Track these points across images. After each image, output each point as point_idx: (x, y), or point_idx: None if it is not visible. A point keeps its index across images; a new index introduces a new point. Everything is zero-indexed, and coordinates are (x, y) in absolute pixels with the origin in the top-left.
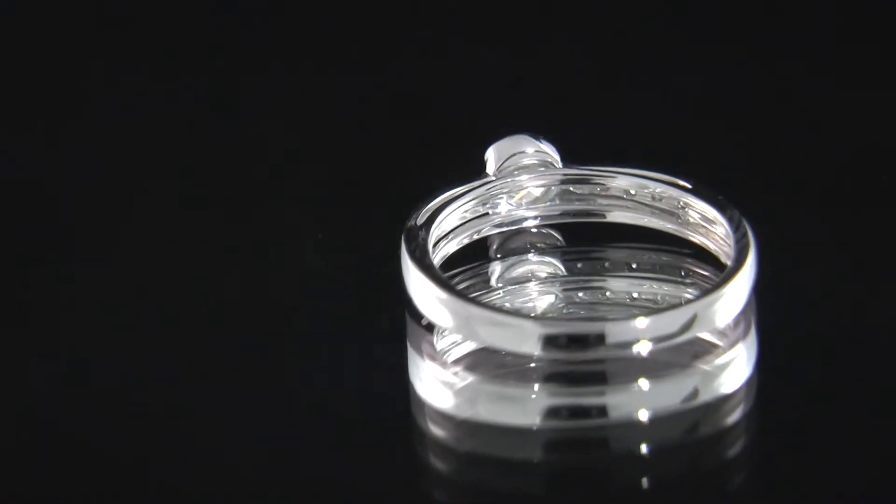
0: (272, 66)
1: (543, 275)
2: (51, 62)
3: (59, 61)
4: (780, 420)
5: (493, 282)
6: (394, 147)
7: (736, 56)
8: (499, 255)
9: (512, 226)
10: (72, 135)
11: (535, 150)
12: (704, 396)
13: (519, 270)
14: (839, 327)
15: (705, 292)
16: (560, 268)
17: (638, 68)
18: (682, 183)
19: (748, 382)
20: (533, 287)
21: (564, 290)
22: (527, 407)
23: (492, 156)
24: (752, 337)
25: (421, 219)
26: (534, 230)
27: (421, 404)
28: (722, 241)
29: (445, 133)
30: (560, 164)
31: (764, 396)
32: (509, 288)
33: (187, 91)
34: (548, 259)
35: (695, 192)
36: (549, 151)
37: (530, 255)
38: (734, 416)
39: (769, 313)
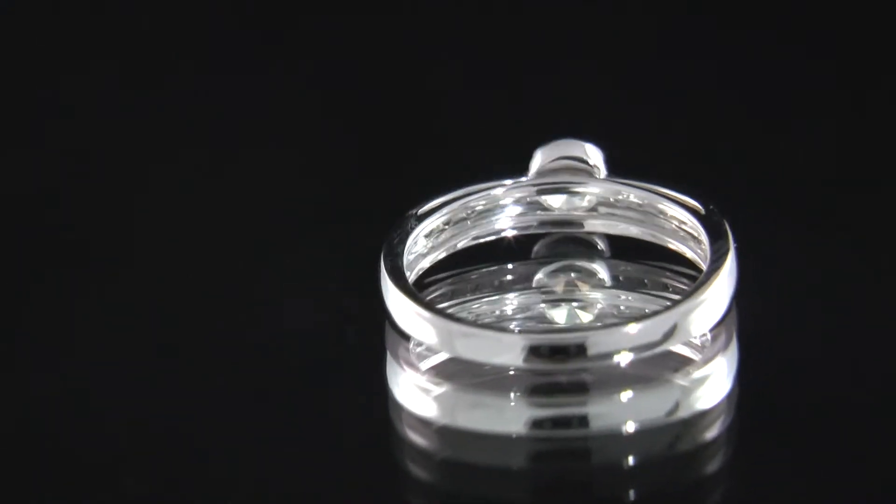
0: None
1: (585, 282)
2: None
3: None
4: (761, 435)
5: (533, 284)
6: (422, 147)
7: (731, 61)
8: (539, 258)
9: (490, 236)
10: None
11: (577, 157)
12: (684, 410)
13: (560, 276)
14: (823, 340)
15: (680, 300)
16: (605, 276)
17: (635, 73)
18: (659, 189)
19: (729, 396)
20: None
21: (545, 301)
22: (505, 415)
23: (537, 157)
24: (733, 350)
25: (422, 209)
26: (580, 236)
27: (399, 410)
28: (698, 248)
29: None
30: (602, 174)
31: (744, 411)
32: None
33: (186, 91)
34: (593, 266)
35: (672, 198)
36: (596, 160)
37: (575, 262)
38: (714, 431)
39: (751, 326)
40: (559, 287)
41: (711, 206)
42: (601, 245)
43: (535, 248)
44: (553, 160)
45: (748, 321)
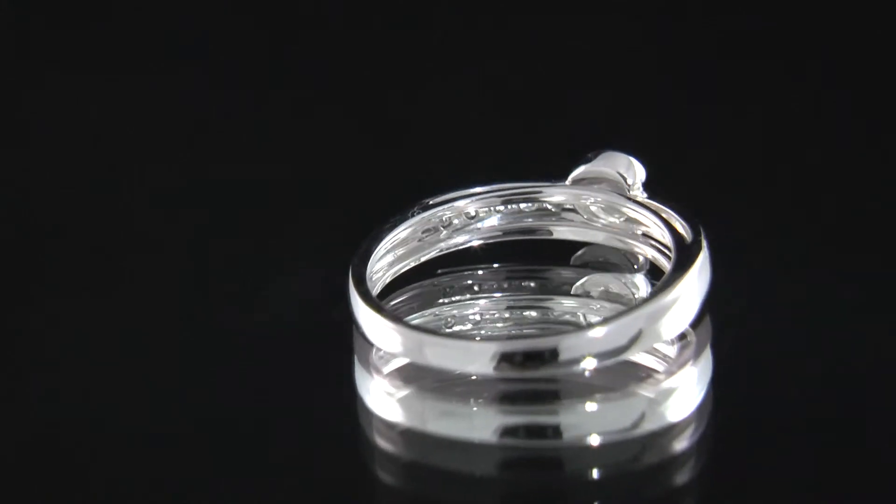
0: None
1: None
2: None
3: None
4: (732, 448)
5: (572, 291)
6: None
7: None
8: (578, 265)
9: (456, 247)
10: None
11: (618, 171)
12: (653, 422)
13: (593, 287)
14: (797, 353)
15: (643, 302)
16: (640, 288)
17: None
18: (626, 194)
19: (700, 408)
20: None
21: (509, 307)
22: (473, 423)
23: (581, 166)
24: (706, 362)
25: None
26: (617, 247)
27: (369, 416)
28: (666, 251)
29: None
30: (633, 192)
31: (716, 423)
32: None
33: (178, 102)
34: (628, 278)
35: (640, 202)
36: (633, 176)
37: (610, 273)
38: (684, 442)
39: (725, 338)
40: (595, 294)
41: (700, 235)
42: (641, 259)
43: (577, 255)
44: (593, 170)
45: (722, 332)
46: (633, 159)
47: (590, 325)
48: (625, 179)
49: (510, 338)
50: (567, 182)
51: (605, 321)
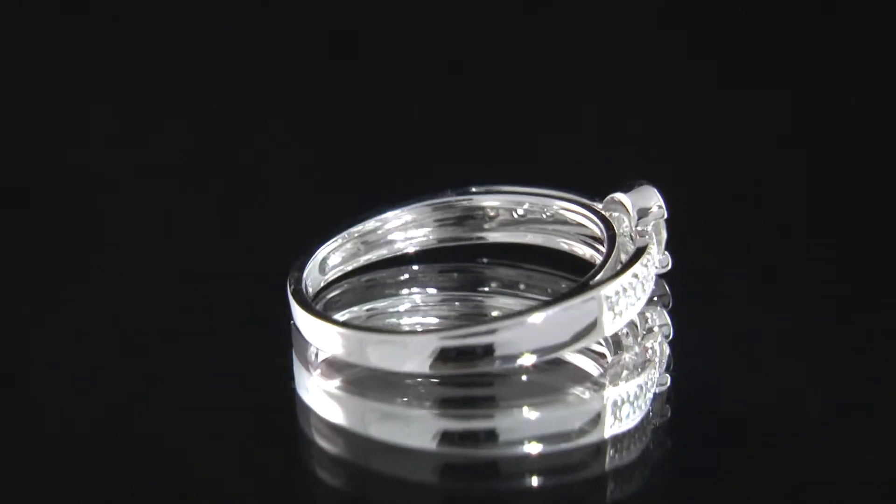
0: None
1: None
2: None
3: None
4: (678, 458)
5: None
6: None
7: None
8: None
9: (393, 253)
10: None
11: (631, 204)
12: (600, 430)
13: None
14: (748, 365)
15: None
16: (667, 320)
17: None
18: (556, 193)
19: (644, 418)
20: None
21: (441, 301)
22: (408, 423)
23: (617, 192)
24: (653, 370)
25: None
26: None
27: (307, 413)
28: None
29: None
30: (635, 226)
31: (661, 434)
32: None
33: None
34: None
35: (571, 199)
36: (652, 214)
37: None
38: (629, 453)
39: (674, 347)
40: None
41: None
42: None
43: None
44: (620, 197)
45: (671, 342)
46: (659, 197)
47: (528, 312)
48: (639, 214)
49: (443, 329)
50: (601, 205)
51: (545, 304)
